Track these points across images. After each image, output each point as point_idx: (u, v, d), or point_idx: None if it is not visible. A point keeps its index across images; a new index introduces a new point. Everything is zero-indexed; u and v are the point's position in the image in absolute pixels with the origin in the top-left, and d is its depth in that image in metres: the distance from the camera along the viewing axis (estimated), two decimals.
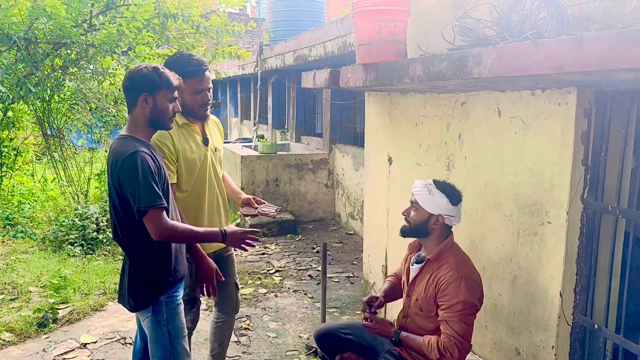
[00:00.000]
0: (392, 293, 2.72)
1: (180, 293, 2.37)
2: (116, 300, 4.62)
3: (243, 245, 2.34)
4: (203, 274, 2.61)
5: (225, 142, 11.41)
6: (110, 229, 6.05)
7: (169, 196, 2.34)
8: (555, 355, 2.39)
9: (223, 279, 2.71)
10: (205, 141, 2.73)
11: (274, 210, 2.80)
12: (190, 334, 2.91)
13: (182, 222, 2.43)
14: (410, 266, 2.54)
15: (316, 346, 2.83)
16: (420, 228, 2.40)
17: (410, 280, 2.51)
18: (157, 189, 2.17)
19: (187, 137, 2.66)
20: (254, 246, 2.38)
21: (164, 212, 2.18)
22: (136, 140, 2.25)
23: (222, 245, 2.73)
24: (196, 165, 2.67)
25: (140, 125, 2.30)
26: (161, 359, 2.36)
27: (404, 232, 2.48)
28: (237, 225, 2.65)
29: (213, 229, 2.33)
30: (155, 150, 2.35)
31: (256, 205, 2.84)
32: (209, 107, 2.69)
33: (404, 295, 2.58)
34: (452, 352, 2.21)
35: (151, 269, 2.25)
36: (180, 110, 2.38)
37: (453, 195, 2.37)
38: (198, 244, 2.60)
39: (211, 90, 2.68)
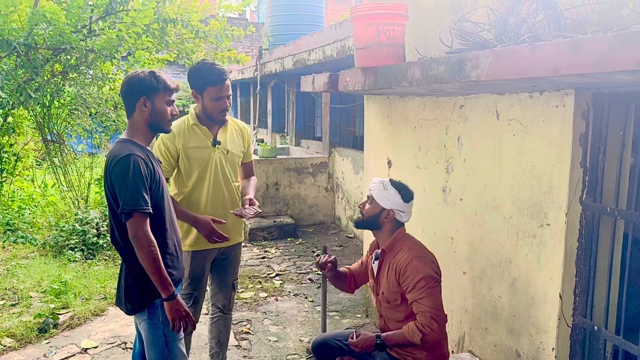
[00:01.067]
0: (342, 274, 2.88)
1: (178, 295, 2.37)
2: None
3: (175, 320, 2.30)
4: (204, 230, 2.81)
5: None
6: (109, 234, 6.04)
7: (165, 201, 2.37)
8: (555, 357, 2.39)
9: (224, 221, 2.88)
10: (214, 142, 2.92)
11: (252, 213, 2.89)
12: (190, 333, 2.94)
13: (177, 229, 2.51)
14: (372, 265, 2.69)
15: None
16: (373, 220, 2.57)
17: (375, 278, 2.66)
18: (144, 193, 2.20)
19: (194, 137, 2.88)
20: (186, 328, 2.33)
21: (147, 219, 2.21)
22: (133, 144, 2.28)
23: (224, 244, 2.96)
24: (199, 164, 2.89)
25: (140, 129, 2.33)
26: None
27: (357, 224, 2.67)
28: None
29: (170, 282, 2.27)
30: (152, 155, 2.38)
31: (246, 206, 2.96)
32: (227, 112, 2.91)
33: (374, 296, 2.71)
34: (430, 326, 2.31)
35: (146, 272, 2.25)
36: (178, 113, 2.44)
37: (405, 193, 2.54)
38: (187, 211, 2.81)
39: (230, 97, 2.87)
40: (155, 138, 2.61)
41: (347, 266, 2.95)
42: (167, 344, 2.38)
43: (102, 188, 6.98)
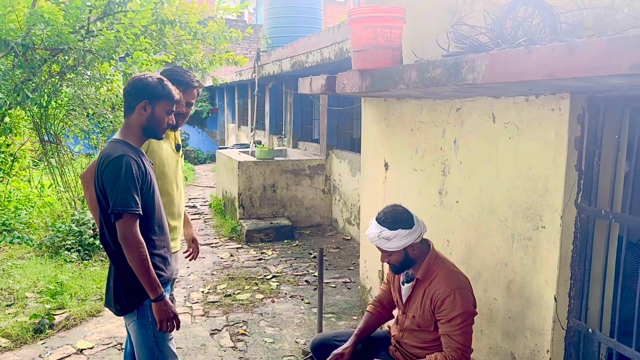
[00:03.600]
0: (371, 324, 2.72)
1: (166, 296, 2.36)
2: None
3: (163, 321, 2.30)
4: None
5: (222, 148, 11.44)
6: None
7: (156, 202, 2.37)
8: (550, 359, 2.40)
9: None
10: (177, 147, 2.94)
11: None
12: None
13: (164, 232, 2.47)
14: (401, 285, 2.60)
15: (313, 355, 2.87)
16: (406, 262, 2.44)
17: (404, 299, 2.57)
18: (135, 195, 2.20)
19: (164, 142, 2.81)
20: (173, 328, 2.34)
21: (137, 221, 2.21)
22: (126, 145, 2.29)
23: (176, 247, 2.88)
24: (169, 168, 2.83)
25: (134, 131, 2.34)
26: None
27: (397, 270, 2.52)
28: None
29: (158, 283, 2.27)
30: (145, 156, 2.38)
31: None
32: (184, 119, 2.92)
33: (399, 312, 2.64)
34: None
35: (135, 273, 2.23)
36: (174, 123, 2.47)
37: (404, 222, 2.37)
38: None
39: (191, 105, 2.92)
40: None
41: (372, 303, 2.79)
42: (157, 344, 2.38)
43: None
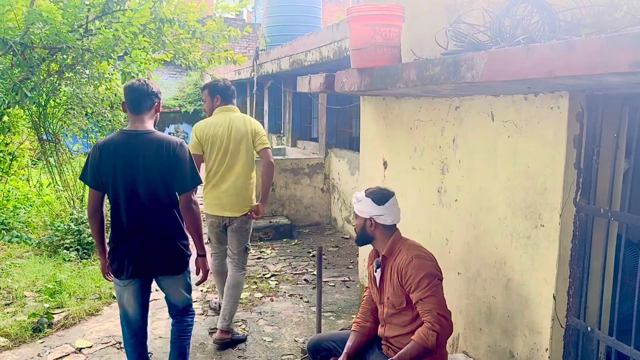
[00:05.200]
0: (360, 342, 2.72)
1: None
2: (111, 304, 4.63)
3: (208, 272, 3.15)
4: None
5: None
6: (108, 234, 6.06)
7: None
8: (549, 357, 2.41)
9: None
10: None
11: None
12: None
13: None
14: (375, 274, 2.68)
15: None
16: (363, 233, 2.62)
17: (378, 286, 2.65)
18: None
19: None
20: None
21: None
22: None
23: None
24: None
25: (155, 122, 2.97)
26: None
27: (356, 241, 2.73)
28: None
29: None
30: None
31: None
32: None
33: (379, 305, 2.69)
34: (440, 323, 2.30)
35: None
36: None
37: (378, 196, 2.56)
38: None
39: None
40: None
41: (355, 322, 2.80)
42: (190, 288, 3.13)
43: None
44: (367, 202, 2.55)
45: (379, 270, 2.64)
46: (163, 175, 2.78)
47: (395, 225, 2.61)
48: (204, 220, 4.12)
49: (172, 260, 2.92)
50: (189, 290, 3.10)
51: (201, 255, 3.04)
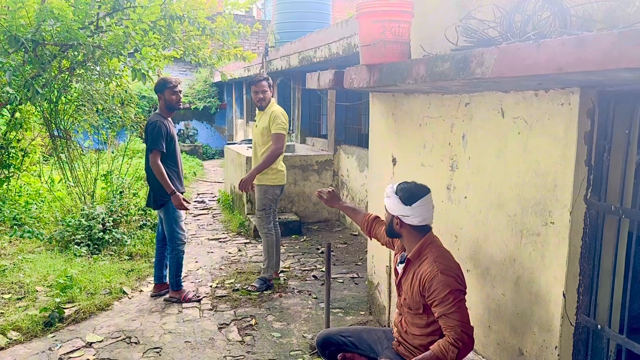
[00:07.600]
0: (353, 211, 3.23)
1: (179, 194, 4.52)
2: (122, 299, 4.67)
3: (176, 206, 4.53)
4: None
5: (230, 143, 11.47)
6: (115, 230, 6.12)
7: (176, 153, 4.65)
8: (558, 355, 2.39)
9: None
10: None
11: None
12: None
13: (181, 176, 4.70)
14: (397, 267, 2.66)
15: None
16: (390, 229, 2.56)
17: (398, 281, 2.63)
18: (161, 140, 4.40)
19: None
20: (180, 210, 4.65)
21: (159, 154, 4.42)
22: (159, 116, 4.57)
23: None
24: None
25: (162, 109, 4.63)
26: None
27: (386, 231, 2.68)
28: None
29: (171, 185, 4.46)
30: (171, 124, 4.65)
31: None
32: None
33: (397, 295, 2.69)
34: (462, 340, 2.27)
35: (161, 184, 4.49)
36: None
37: (406, 195, 2.45)
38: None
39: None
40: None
41: (370, 214, 3.13)
42: (174, 222, 4.61)
43: (108, 184, 7.05)
44: (394, 199, 2.46)
45: (401, 266, 2.59)
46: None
47: (427, 225, 2.52)
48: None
49: (149, 201, 4.70)
50: (168, 224, 4.61)
51: (170, 193, 4.48)
